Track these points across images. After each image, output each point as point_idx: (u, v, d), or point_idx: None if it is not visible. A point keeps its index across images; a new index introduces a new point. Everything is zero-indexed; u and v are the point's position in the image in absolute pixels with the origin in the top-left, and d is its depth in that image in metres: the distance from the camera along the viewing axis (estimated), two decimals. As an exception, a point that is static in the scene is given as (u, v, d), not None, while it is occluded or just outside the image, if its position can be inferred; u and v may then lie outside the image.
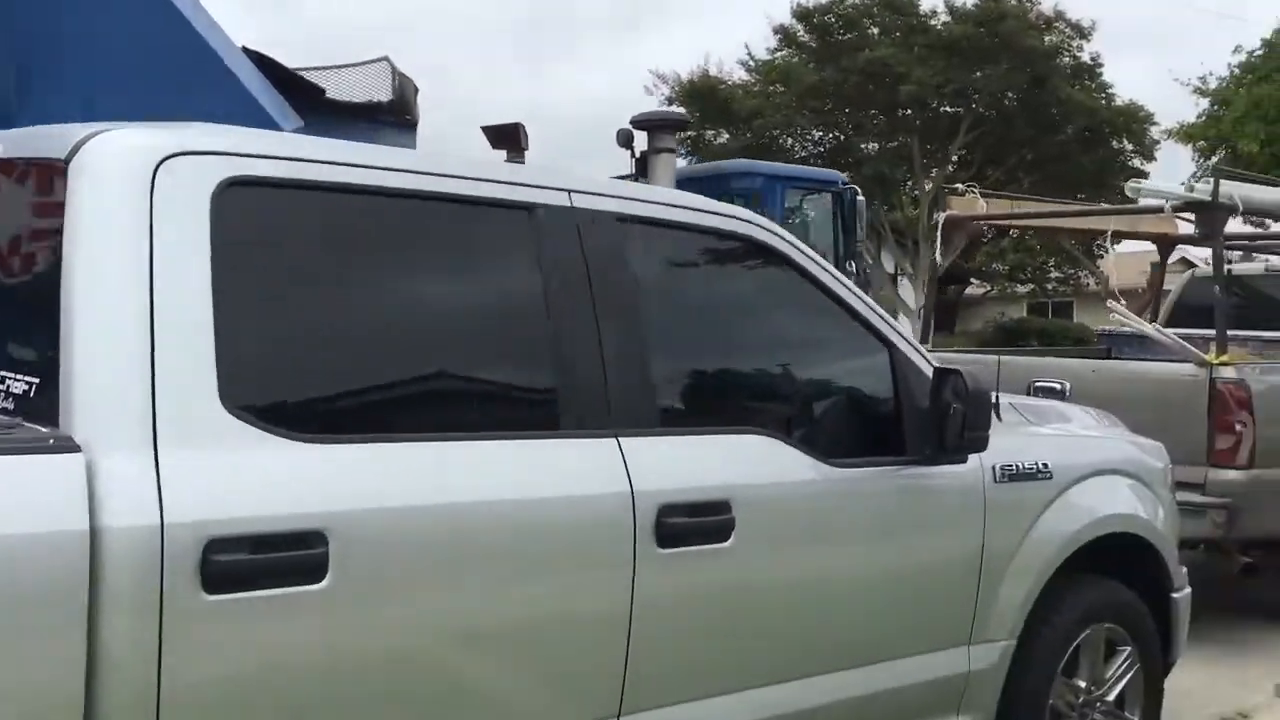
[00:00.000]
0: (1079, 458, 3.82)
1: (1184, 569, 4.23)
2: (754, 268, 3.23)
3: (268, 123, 5.56)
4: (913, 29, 24.31)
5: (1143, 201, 6.14)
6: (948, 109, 25.82)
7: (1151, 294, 8.67)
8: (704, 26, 51.48)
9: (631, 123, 10.14)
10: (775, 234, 3.25)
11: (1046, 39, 25.15)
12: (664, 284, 3.08)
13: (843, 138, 26.22)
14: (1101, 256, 30.74)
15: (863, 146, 26.52)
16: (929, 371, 3.31)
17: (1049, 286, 34.22)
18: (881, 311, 3.42)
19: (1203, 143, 29.49)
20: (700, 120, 25.24)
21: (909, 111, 25.49)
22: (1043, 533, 3.62)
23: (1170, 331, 8.06)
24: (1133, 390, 6.27)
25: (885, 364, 3.34)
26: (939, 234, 6.78)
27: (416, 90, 7.13)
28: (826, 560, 3.10)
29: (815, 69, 25.14)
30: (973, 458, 3.40)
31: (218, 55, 5.89)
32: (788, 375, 3.27)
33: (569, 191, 2.84)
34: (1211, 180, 5.83)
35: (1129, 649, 3.93)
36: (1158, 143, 27.88)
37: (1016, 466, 3.56)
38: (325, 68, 7.27)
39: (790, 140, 27.07)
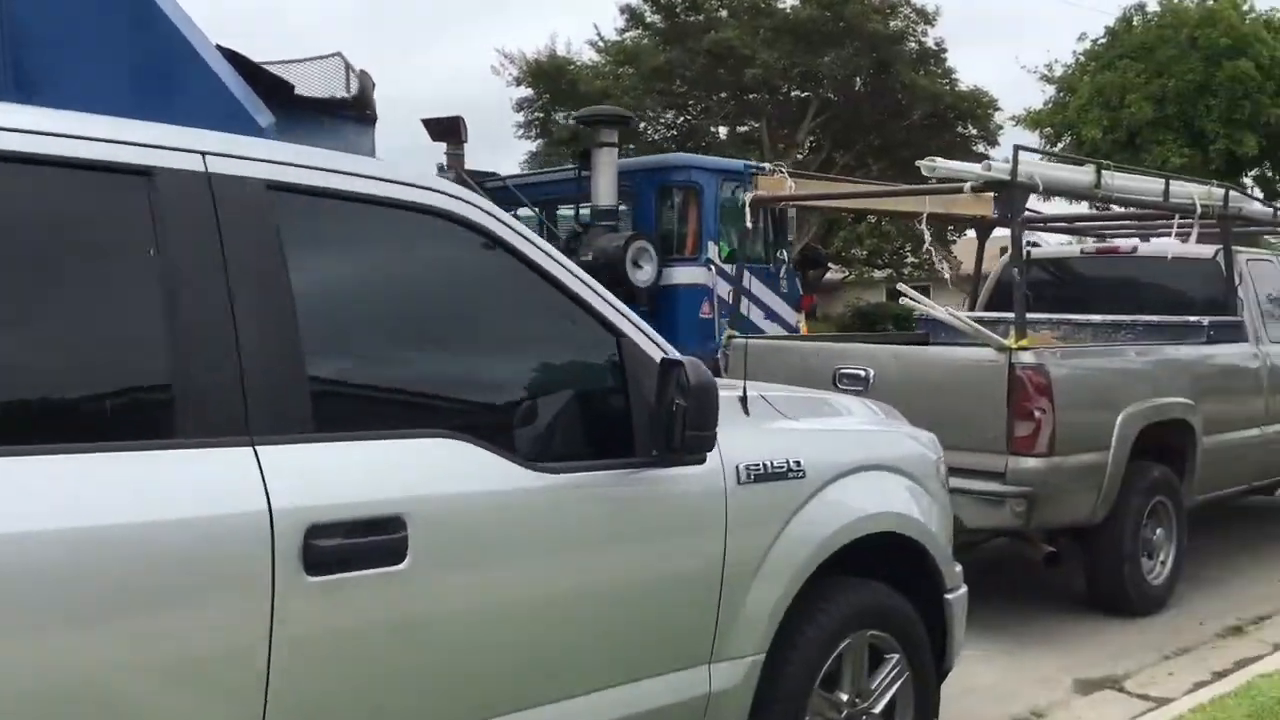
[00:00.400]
0: (838, 454, 3.53)
1: (959, 567, 4.00)
2: (451, 247, 2.83)
3: (244, 117, 5.63)
4: (759, 11, 24.18)
5: (940, 181, 5.96)
6: (797, 93, 25.86)
7: (974, 278, 8.58)
8: (562, 7, 50.78)
9: (575, 119, 10.04)
10: (479, 208, 2.85)
11: (891, 24, 25.36)
12: (331, 265, 2.66)
13: (691, 120, 26.02)
14: (954, 241, 31.43)
15: (712, 130, 26.38)
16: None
17: (905, 271, 34.74)
18: (610, 297, 3.05)
19: (1049, 129, 30.24)
20: (550, 102, 24.82)
21: (756, 95, 25.43)
22: (795, 536, 3.32)
23: (988, 316, 8.00)
24: (934, 376, 6.08)
25: (612, 355, 2.99)
26: (746, 215, 6.52)
27: (374, 85, 7.07)
28: (529, 579, 2.73)
29: (662, 50, 24.88)
30: (713, 457, 3.08)
31: (196, 51, 5.90)
32: (486, 369, 2.88)
33: (203, 154, 2.41)
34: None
35: (897, 656, 3.66)
36: (1001, 128, 28.49)
37: (764, 465, 3.25)
38: (279, 62, 7.34)
39: (642, 124, 26.79)
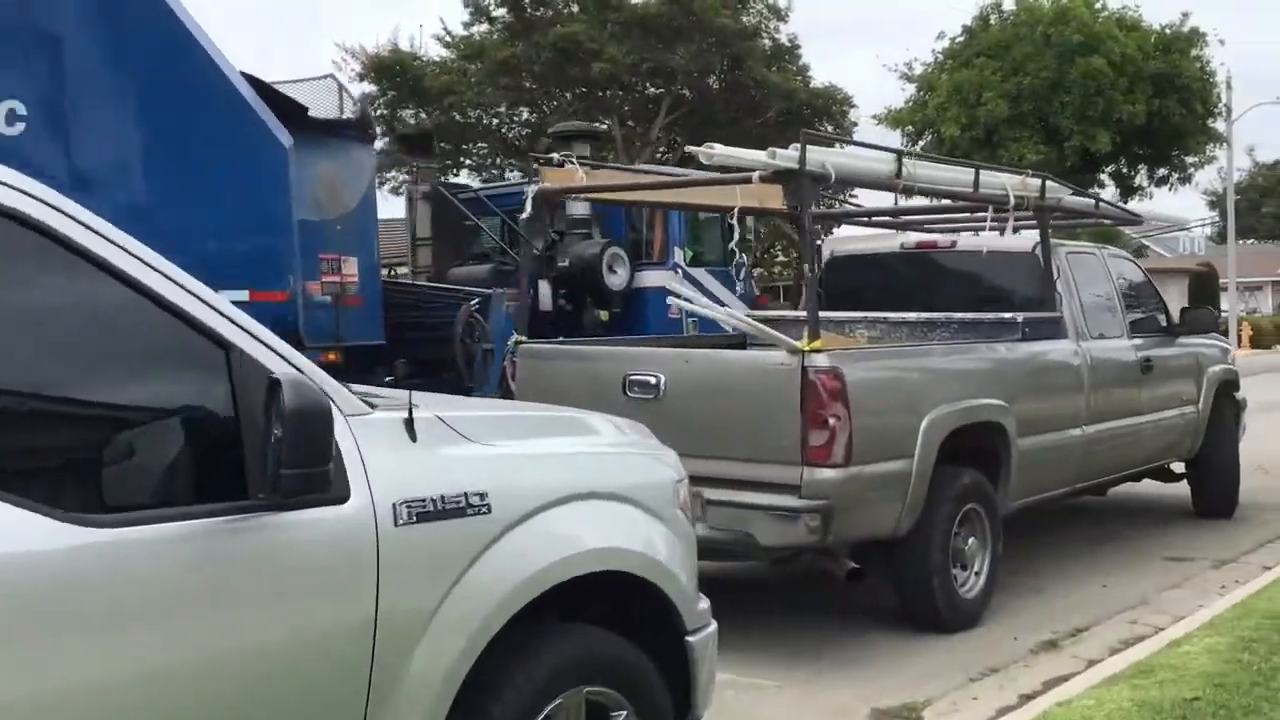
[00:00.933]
0: (541, 483, 3.01)
1: (705, 603, 3.52)
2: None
3: (269, 138, 6.07)
4: (605, 5, 23.67)
5: (721, 169, 5.52)
6: (649, 89, 25.50)
7: (801, 276, 8.19)
8: (407, 2, 49.04)
9: (550, 134, 10.71)
10: (34, 197, 2.26)
11: (744, 19, 25.15)
12: None
13: (537, 117, 25.39)
14: (820, 240, 31.46)
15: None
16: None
17: (776, 270, 34.70)
18: (221, 303, 2.48)
19: (910, 127, 30.51)
20: (394, 99, 24.00)
21: (607, 92, 24.93)
22: (478, 584, 2.79)
23: (788, 315, 7.63)
24: (725, 382, 5.64)
25: (218, 374, 2.42)
26: (530, 208, 5.99)
27: (373, 104, 7.40)
28: (82, 661, 2.14)
29: (508, 44, 24.23)
30: (360, 494, 2.54)
31: (226, 78, 6.37)
32: (28, 402, 2.28)
33: None
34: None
35: (624, 714, 3.16)
36: (856, 124, 28.59)
37: (432, 502, 2.71)
38: (278, 82, 7.65)
39: (494, 120, 26.16)
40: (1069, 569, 7.41)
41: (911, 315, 7.11)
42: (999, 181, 6.89)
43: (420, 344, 8.42)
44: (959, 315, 6.98)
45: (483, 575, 2.80)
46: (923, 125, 29.73)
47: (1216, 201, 45.96)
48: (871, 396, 5.51)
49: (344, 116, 7.91)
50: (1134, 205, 28.14)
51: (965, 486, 6.08)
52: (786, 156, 5.35)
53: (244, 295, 6.32)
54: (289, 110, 7.06)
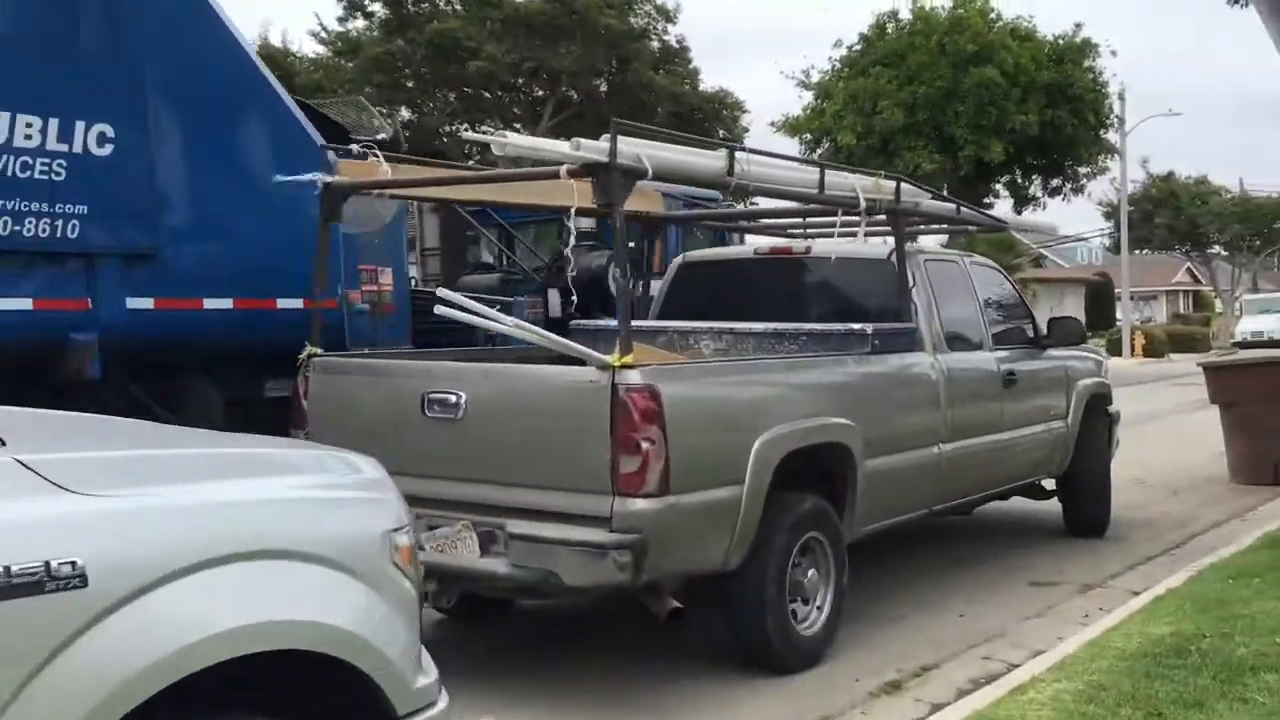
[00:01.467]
0: (172, 543, 2.37)
1: (429, 678, 2.91)
2: None
3: (322, 159, 6.01)
4: (486, 2, 22.94)
5: (520, 162, 4.94)
6: (537, 91, 24.88)
7: (644, 285, 7.65)
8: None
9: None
10: None
11: (631, 20, 24.66)
12: None
13: (418, 117, 24.59)
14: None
15: (447, 128, 25.06)
16: None
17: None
18: None
19: (808, 135, 30.31)
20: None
21: (486, 91, 24.26)
22: (71, 677, 2.15)
23: (652, 325, 7.07)
24: (530, 401, 5.03)
25: None
26: (321, 203, 5.33)
27: (404, 123, 8.32)
28: None
29: (384, 40, 23.43)
30: None
31: (285, 104, 6.88)
32: None
33: None
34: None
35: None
36: (748, 130, 28.29)
37: (-9, 576, 2.06)
38: (312, 101, 8.73)
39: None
40: (928, 596, 6.94)
41: (759, 326, 6.58)
42: (848, 183, 6.40)
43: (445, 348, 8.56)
44: (808, 326, 6.47)
45: (73, 670, 2.15)
46: (820, 133, 29.53)
47: (1111, 212, 46.60)
48: (693, 417, 4.95)
49: (379, 136, 8.57)
50: (1030, 215, 28.28)
51: (805, 513, 5.55)
52: (593, 148, 4.77)
53: (299, 303, 6.56)
54: (331, 131, 7.63)
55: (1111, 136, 32.45)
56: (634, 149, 4.89)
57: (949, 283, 7.32)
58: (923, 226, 8.53)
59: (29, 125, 5.49)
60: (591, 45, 23.47)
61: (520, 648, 6.19)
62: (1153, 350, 39.96)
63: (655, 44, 25.39)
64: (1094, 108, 29.12)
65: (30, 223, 5.44)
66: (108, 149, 5.90)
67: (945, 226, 8.63)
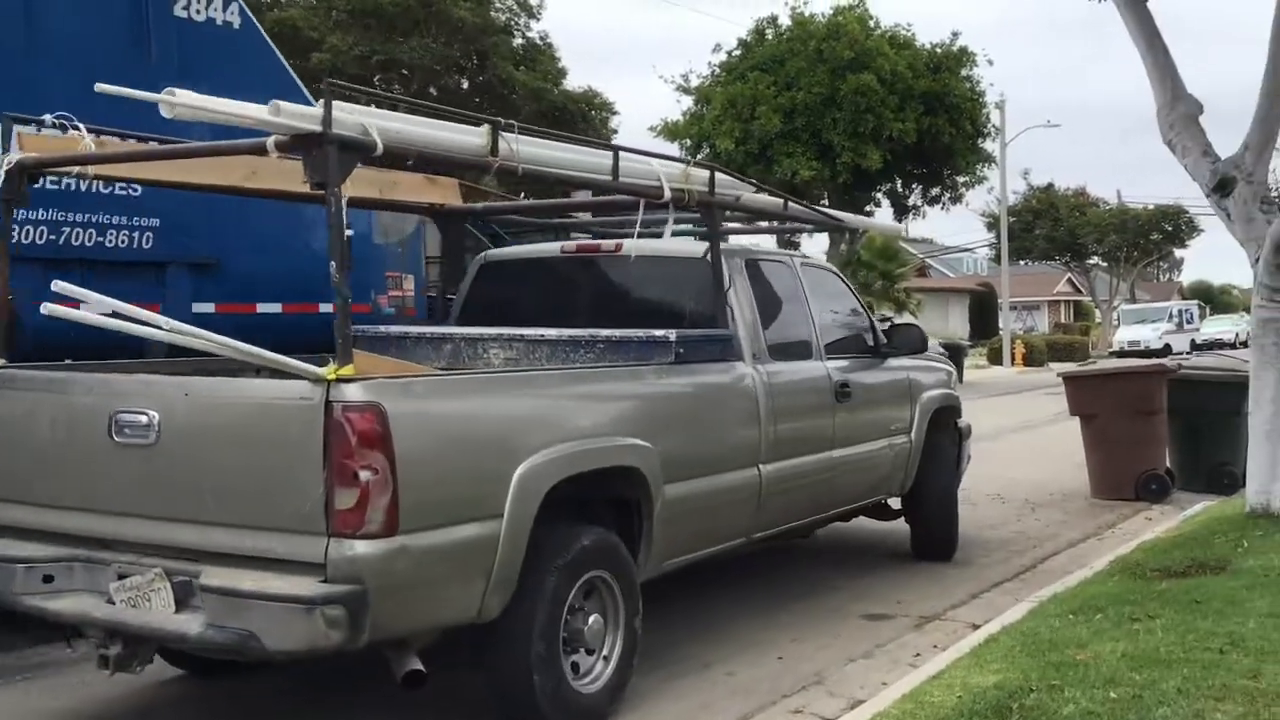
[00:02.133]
0: None
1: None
2: None
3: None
4: (331, -9, 21.90)
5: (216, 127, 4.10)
6: (394, 86, 23.83)
7: (442, 287, 6.83)
8: None
9: None
10: None
11: (491, 14, 23.76)
12: None
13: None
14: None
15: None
16: None
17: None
18: None
19: (688, 140, 29.81)
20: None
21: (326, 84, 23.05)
22: None
23: (452, 331, 6.25)
24: (232, 422, 4.16)
25: None
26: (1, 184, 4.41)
27: None
28: None
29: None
30: None
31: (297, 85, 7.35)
32: None
33: None
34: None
35: None
36: (616, 132, 27.66)
37: None
38: None
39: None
40: (750, 634, 6.23)
41: (552, 333, 5.79)
42: (651, 170, 5.66)
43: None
44: (605, 333, 5.70)
45: None
46: (699, 138, 29.03)
47: (993, 223, 47.13)
48: (431, 440, 4.13)
49: None
50: (880, 219, 28.09)
51: (584, 550, 4.77)
52: (301, 114, 3.94)
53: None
54: None
55: (990, 146, 32.58)
56: (358, 118, 4.06)
57: (775, 285, 6.64)
58: (786, 226, 7.92)
59: None
60: (447, 39, 22.48)
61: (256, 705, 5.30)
62: (1033, 359, 40.39)
63: (519, 40, 24.51)
64: (971, 117, 29.12)
65: (112, 235, 5.88)
66: None
67: (815, 228, 7.99)
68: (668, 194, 5.63)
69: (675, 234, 6.54)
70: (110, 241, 5.90)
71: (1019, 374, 35.43)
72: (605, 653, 4.93)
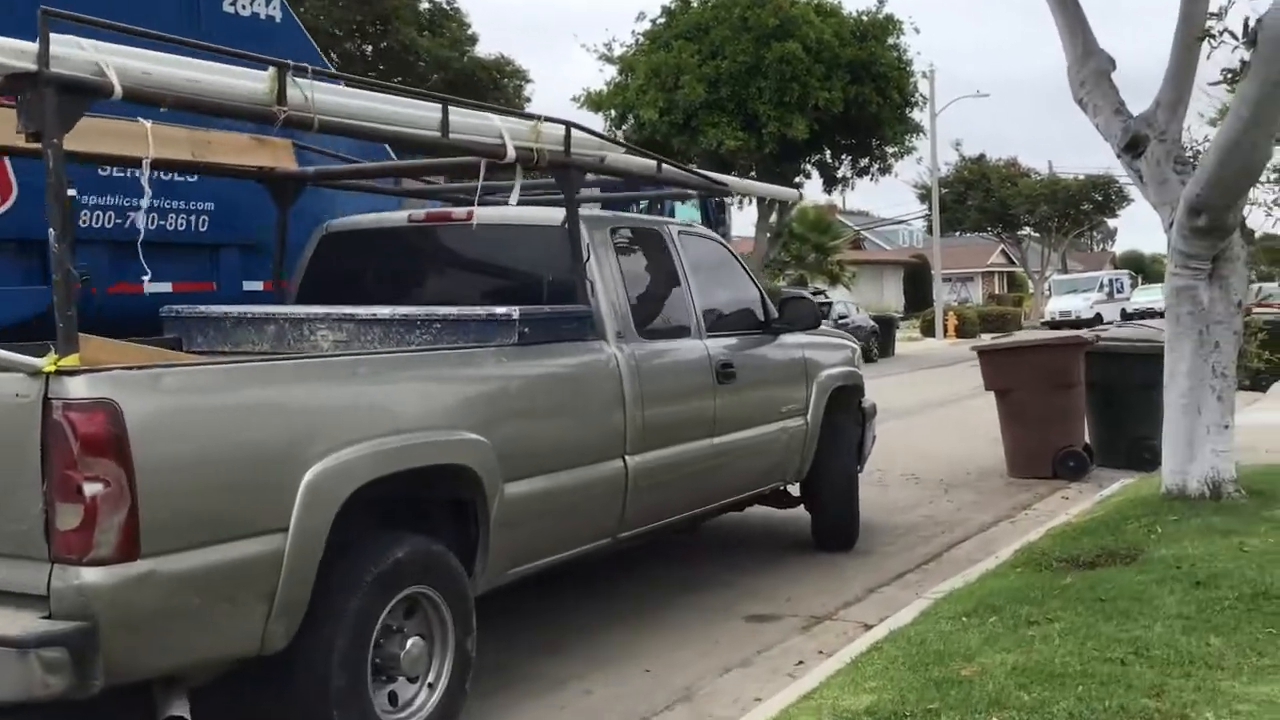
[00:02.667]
0: None
1: None
2: None
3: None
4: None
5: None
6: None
7: (277, 260, 6.10)
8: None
9: None
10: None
11: (394, -25, 22.88)
12: None
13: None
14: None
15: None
16: None
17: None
18: None
19: (612, 111, 29.02)
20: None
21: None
22: None
23: (291, 311, 5.55)
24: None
25: None
26: None
27: None
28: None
29: None
30: None
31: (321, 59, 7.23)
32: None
33: None
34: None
35: None
36: (530, 100, 26.83)
37: None
38: None
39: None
40: (618, 644, 5.62)
41: (386, 312, 5.12)
42: (492, 126, 4.99)
43: None
44: (444, 311, 5.04)
45: None
46: (623, 109, 28.27)
47: (926, 195, 46.89)
48: (188, 444, 3.45)
49: None
50: (851, 197, 27.52)
51: (400, 563, 4.12)
52: (13, 50, 3.22)
53: None
54: None
55: (919, 116, 32.10)
56: (92, 55, 3.35)
57: (646, 257, 6.02)
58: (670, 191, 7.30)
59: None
60: (346, 1, 21.47)
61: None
62: (965, 331, 40.28)
63: (425, 4, 23.51)
64: (899, 86, 28.60)
65: (172, 219, 6.05)
66: None
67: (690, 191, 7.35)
68: (511, 153, 4.97)
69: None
70: (169, 224, 6.12)
71: (951, 346, 35.21)
72: (431, 679, 4.29)
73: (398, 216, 6.06)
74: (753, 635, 5.79)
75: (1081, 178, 50.99)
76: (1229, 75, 6.57)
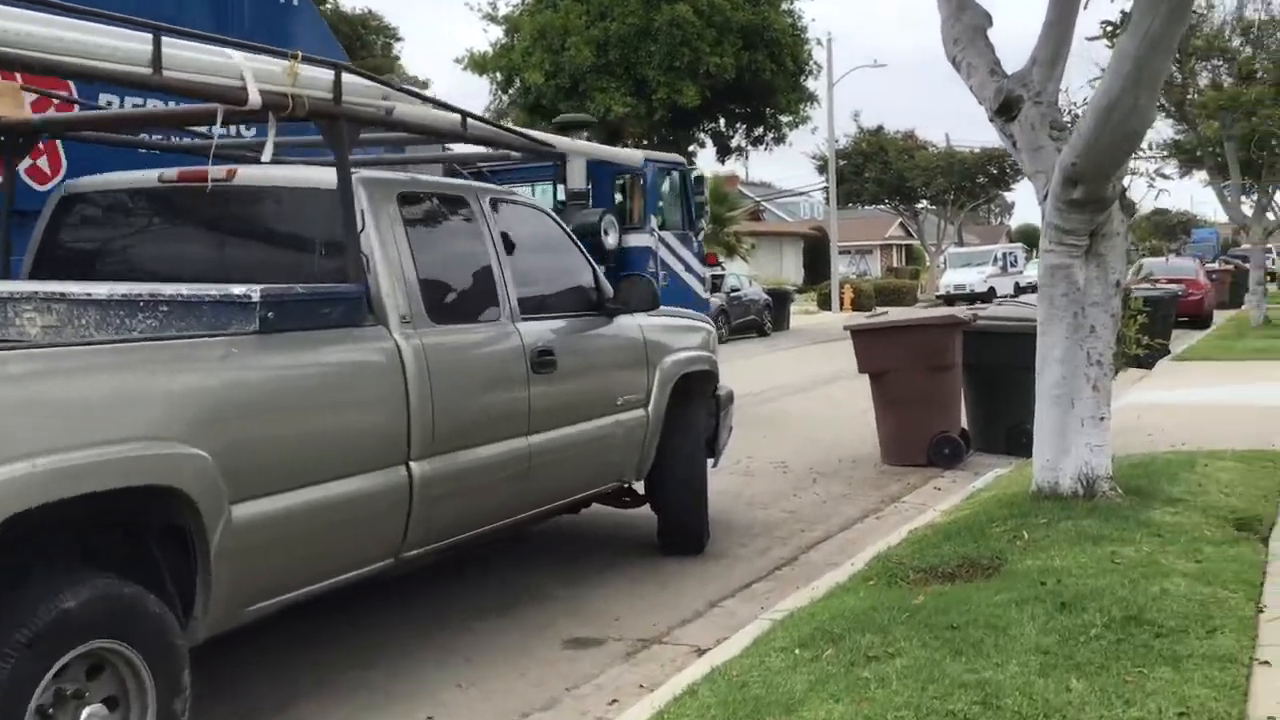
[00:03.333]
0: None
1: None
2: None
3: None
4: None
5: None
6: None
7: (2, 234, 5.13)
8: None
9: (554, 124, 13.25)
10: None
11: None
12: None
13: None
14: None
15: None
16: None
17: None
18: None
19: (497, 74, 27.98)
20: None
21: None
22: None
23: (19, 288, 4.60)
24: None
25: None
26: None
27: None
28: None
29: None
30: None
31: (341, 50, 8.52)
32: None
33: None
34: None
35: None
36: (399, 58, 25.66)
37: None
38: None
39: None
40: (398, 679, 4.81)
41: (103, 291, 4.22)
42: (231, 65, 4.10)
43: None
44: (171, 291, 4.16)
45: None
46: (509, 71, 27.24)
47: (825, 166, 46.53)
48: None
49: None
50: (753, 168, 26.87)
51: (70, 614, 3.24)
52: None
53: None
54: None
55: (814, 85, 31.57)
56: None
57: (444, 227, 5.19)
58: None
59: None
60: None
61: None
62: (861, 304, 40.07)
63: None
64: (793, 53, 28.03)
65: None
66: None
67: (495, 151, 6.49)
68: (255, 98, 4.08)
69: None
70: None
71: (847, 319, 34.91)
72: (121, 752, 3.44)
73: (148, 175, 5.11)
74: (567, 665, 5.02)
75: (978, 150, 51.13)
76: (1108, 29, 5.94)
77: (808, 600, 5.30)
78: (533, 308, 5.55)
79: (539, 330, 5.48)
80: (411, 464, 4.57)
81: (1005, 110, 6.42)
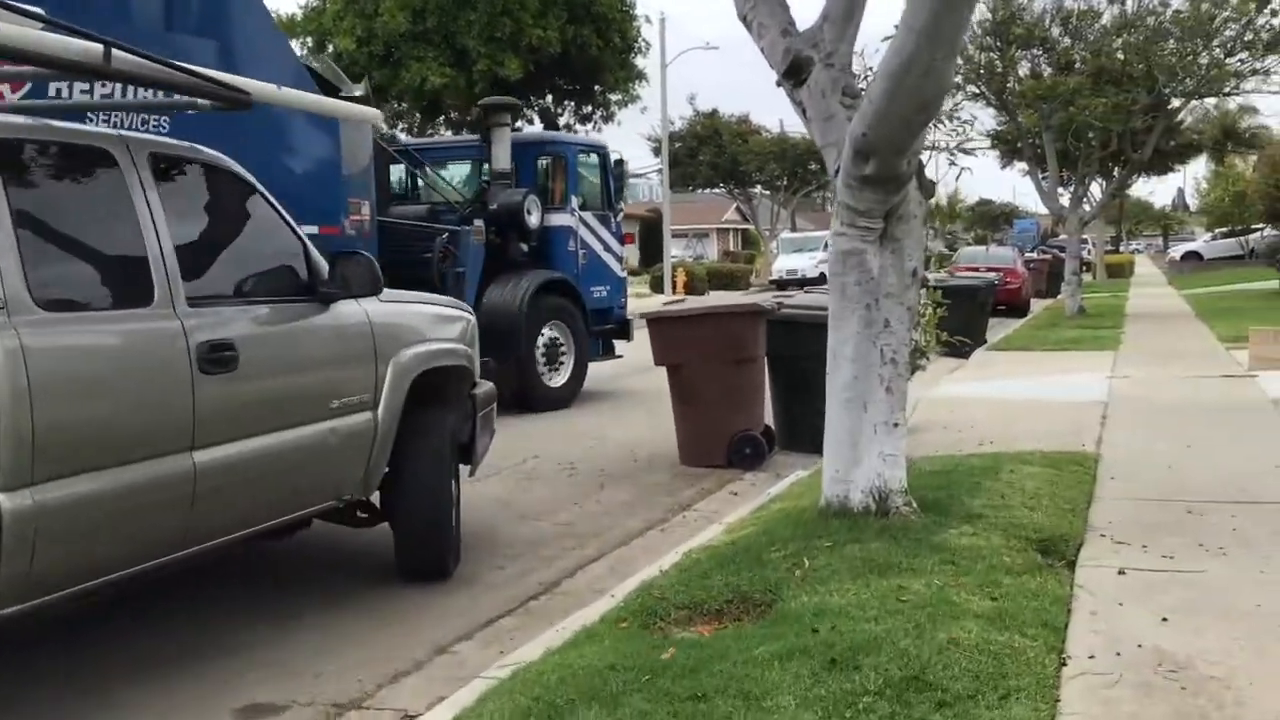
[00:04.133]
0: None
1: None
2: None
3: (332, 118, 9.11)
4: None
5: None
6: None
7: None
8: None
9: (480, 106, 13.78)
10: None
11: None
12: None
13: None
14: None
15: None
16: None
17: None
18: None
19: (308, 39, 26.28)
20: None
21: None
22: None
23: None
24: None
25: None
26: None
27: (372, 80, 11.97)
28: None
29: None
30: None
31: (307, 75, 9.76)
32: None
33: None
34: None
35: None
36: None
37: None
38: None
39: None
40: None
41: None
42: None
43: (403, 267, 9.72)
44: None
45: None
46: (320, 36, 25.60)
47: (660, 148, 45.89)
48: None
49: (357, 94, 10.77)
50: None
51: None
52: None
53: (315, 229, 8.31)
54: (326, 89, 9.95)
55: (644, 63, 30.73)
56: None
57: (70, 191, 4.06)
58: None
59: None
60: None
61: None
62: (694, 288, 39.60)
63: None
64: (621, 29, 27.09)
65: None
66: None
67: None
68: None
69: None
70: None
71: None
72: None
73: None
74: (235, 741, 3.99)
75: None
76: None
77: (543, 651, 4.37)
78: (212, 291, 4.48)
79: (216, 320, 4.41)
80: (2, 495, 3.47)
81: (793, 73, 5.60)
